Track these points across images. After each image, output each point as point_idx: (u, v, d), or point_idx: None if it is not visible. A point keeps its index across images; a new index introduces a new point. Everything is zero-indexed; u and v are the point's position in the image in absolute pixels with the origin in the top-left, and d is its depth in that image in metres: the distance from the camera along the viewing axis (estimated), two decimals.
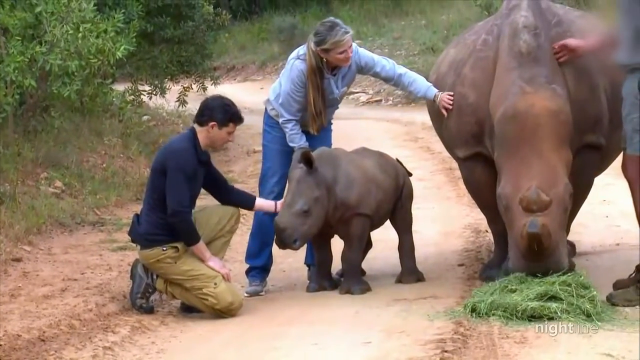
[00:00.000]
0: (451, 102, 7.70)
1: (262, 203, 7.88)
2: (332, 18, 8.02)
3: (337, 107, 8.29)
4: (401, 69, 8.10)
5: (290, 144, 7.96)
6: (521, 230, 6.83)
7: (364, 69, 8.09)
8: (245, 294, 8.04)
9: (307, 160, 7.54)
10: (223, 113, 7.50)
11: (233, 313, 7.38)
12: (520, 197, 6.88)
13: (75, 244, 9.71)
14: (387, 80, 8.23)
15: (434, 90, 7.90)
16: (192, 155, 7.39)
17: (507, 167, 7.09)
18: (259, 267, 8.20)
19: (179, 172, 7.28)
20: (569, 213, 7.15)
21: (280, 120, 8.00)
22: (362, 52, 8.07)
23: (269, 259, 8.22)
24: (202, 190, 7.67)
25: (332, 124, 8.33)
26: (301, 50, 7.99)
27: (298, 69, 7.90)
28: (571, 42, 7.30)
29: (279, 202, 7.72)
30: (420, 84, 8.01)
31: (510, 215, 7.01)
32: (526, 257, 6.88)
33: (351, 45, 7.83)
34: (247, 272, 8.24)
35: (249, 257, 8.25)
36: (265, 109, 8.19)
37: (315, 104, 7.91)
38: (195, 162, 7.41)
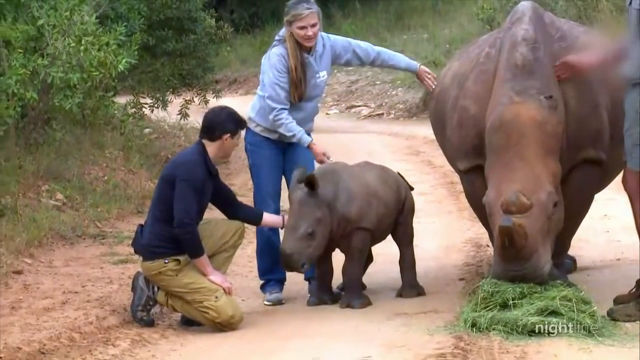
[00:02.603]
0: (429, 76, 8.30)
1: (269, 218, 7.86)
2: None
3: (318, 109, 8.35)
4: (378, 48, 8.34)
5: (288, 134, 7.94)
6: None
7: (342, 54, 8.22)
8: (267, 303, 8.08)
9: (310, 184, 7.53)
10: (234, 123, 7.54)
11: (234, 327, 7.38)
12: (501, 201, 6.87)
13: (76, 256, 9.69)
14: (366, 59, 8.37)
15: (415, 64, 8.33)
16: (203, 168, 7.41)
17: (492, 175, 7.10)
18: (276, 279, 8.22)
19: (188, 183, 7.29)
20: (558, 226, 7.09)
21: (272, 115, 7.94)
22: (335, 37, 8.26)
23: (285, 272, 8.20)
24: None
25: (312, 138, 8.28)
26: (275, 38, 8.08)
27: (277, 54, 7.97)
28: (571, 59, 7.30)
29: (287, 216, 7.72)
30: (400, 58, 8.38)
31: (492, 220, 7.00)
32: (503, 259, 6.85)
33: (314, 24, 7.89)
34: (263, 286, 8.25)
35: (265, 273, 8.24)
36: (247, 128, 8.11)
37: (296, 71, 7.93)
38: (205, 175, 7.42)
